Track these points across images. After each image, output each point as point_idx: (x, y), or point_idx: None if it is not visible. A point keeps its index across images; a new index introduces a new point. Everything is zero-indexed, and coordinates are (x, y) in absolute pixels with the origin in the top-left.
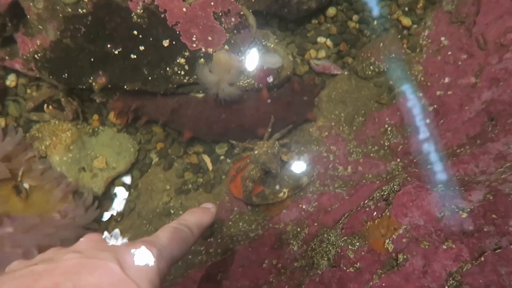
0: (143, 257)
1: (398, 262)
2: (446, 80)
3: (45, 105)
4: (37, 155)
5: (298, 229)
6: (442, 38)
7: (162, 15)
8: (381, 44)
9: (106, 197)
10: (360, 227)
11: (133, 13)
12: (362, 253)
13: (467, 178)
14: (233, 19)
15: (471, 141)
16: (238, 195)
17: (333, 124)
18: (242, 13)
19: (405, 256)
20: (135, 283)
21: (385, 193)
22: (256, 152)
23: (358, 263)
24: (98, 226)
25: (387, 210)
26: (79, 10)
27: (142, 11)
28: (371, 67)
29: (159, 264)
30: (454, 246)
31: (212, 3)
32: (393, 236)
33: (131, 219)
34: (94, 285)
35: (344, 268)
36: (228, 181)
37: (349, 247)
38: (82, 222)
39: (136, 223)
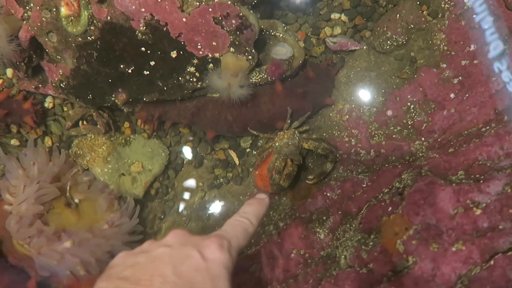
0: (217, 248)
1: (408, 264)
2: (472, 48)
3: (80, 122)
4: (81, 170)
5: (324, 218)
6: (466, 0)
7: (165, 28)
8: (398, 15)
9: (148, 199)
10: (377, 222)
11: (137, 31)
12: (375, 253)
13: (489, 163)
14: (233, 21)
15: (498, 117)
16: (264, 187)
17: (353, 106)
18: (241, 14)
19: (414, 259)
20: (214, 269)
21: (401, 186)
22: (277, 144)
23: (371, 264)
24: (142, 228)
25: (400, 207)
26: (88, 37)
27: (145, 27)
28: (389, 42)
29: (230, 253)
30: (464, 248)
31: (210, 9)
32: (404, 237)
33: (172, 217)
34: (186, 271)
35: (358, 269)
36: (255, 175)
37: (363, 247)
38: (128, 228)
39: (177, 220)
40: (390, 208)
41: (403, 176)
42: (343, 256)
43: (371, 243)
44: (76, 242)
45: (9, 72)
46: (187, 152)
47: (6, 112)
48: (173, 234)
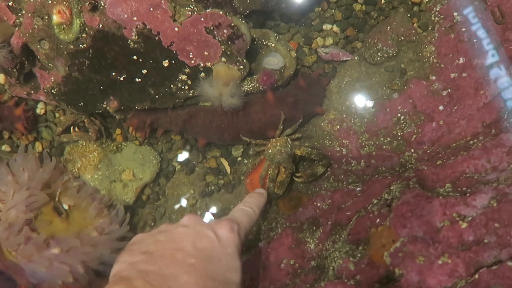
0: (229, 229)
1: (395, 277)
2: (461, 60)
3: (72, 128)
4: (71, 177)
5: (314, 228)
6: (455, 14)
7: (157, 38)
8: (389, 27)
9: (138, 205)
10: (365, 233)
11: (129, 40)
12: (362, 265)
13: (476, 176)
14: (225, 31)
15: (486, 130)
16: None
17: (344, 116)
18: (233, 24)
19: (401, 271)
20: (227, 247)
21: (389, 198)
22: (270, 151)
23: (358, 276)
24: (133, 234)
25: (388, 219)
26: (80, 45)
27: (137, 36)
28: (379, 53)
29: (239, 234)
30: (449, 261)
31: (202, 19)
32: (391, 249)
33: (163, 223)
34: (204, 247)
35: (345, 280)
36: (246, 182)
37: (350, 258)
38: (118, 234)
39: None
40: (378, 220)
41: (391, 188)
42: (331, 267)
43: (359, 255)
44: (65, 249)
45: (1, 78)
46: (179, 160)
47: None
48: (188, 217)
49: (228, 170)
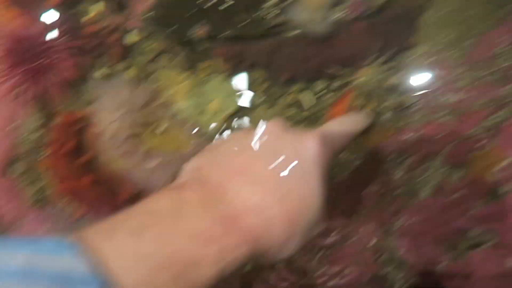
0: (317, 142)
1: (500, 193)
2: None
3: (163, 56)
4: (164, 103)
5: (402, 157)
6: None
7: None
8: None
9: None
10: (464, 158)
11: None
12: (463, 183)
13: None
14: None
15: None
16: None
17: (438, 48)
18: None
19: (505, 189)
20: (309, 163)
21: (492, 123)
22: (361, 79)
23: (459, 192)
24: None
25: (493, 140)
26: None
27: None
28: None
29: (330, 148)
30: None
31: None
32: (497, 167)
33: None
34: (281, 162)
35: (444, 197)
36: (329, 116)
37: (449, 178)
38: None
39: None
40: (481, 143)
41: (493, 116)
42: (426, 188)
43: (458, 174)
44: (163, 162)
45: (100, 5)
46: (259, 94)
47: (97, 44)
48: (271, 124)
49: (311, 103)
